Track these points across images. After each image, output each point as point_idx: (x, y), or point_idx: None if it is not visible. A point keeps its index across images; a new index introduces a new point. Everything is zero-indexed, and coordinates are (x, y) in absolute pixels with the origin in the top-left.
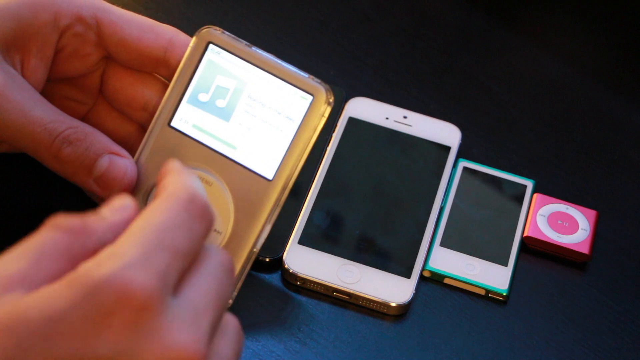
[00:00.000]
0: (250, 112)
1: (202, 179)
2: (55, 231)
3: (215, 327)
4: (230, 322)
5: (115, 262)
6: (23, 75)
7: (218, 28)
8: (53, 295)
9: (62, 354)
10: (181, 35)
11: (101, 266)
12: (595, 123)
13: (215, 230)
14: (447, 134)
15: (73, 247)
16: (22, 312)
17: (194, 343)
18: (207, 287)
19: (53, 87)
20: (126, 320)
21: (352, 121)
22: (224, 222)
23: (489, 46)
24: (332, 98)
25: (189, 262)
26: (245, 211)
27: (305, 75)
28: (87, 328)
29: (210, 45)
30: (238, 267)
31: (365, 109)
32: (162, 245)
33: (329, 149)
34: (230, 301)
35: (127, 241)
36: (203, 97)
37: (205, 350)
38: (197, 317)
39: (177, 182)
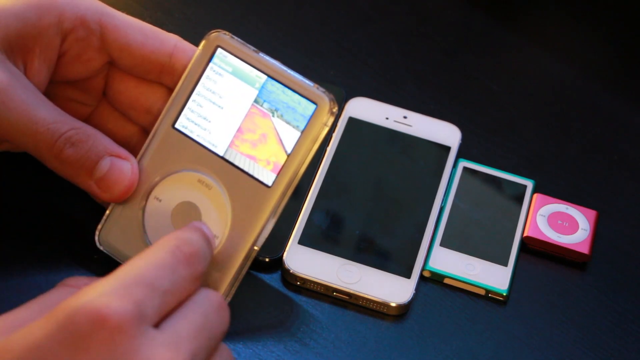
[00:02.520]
0: (254, 118)
1: (202, 182)
2: (63, 287)
3: (197, 358)
4: (221, 352)
5: (92, 292)
6: (26, 76)
7: (227, 32)
8: (34, 328)
9: None
10: (185, 42)
11: (79, 297)
12: (595, 123)
13: None
14: (447, 134)
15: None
16: (7, 344)
17: None
18: (190, 319)
19: (56, 88)
20: (102, 343)
21: (352, 121)
22: (221, 226)
23: (489, 46)
24: (336, 108)
25: (171, 301)
26: (242, 216)
27: (311, 84)
28: (65, 352)
29: (219, 49)
30: (233, 270)
31: (365, 109)
32: (140, 280)
33: (329, 149)
34: None
35: (108, 278)
36: (208, 100)
37: None
38: (176, 344)
39: (172, 233)
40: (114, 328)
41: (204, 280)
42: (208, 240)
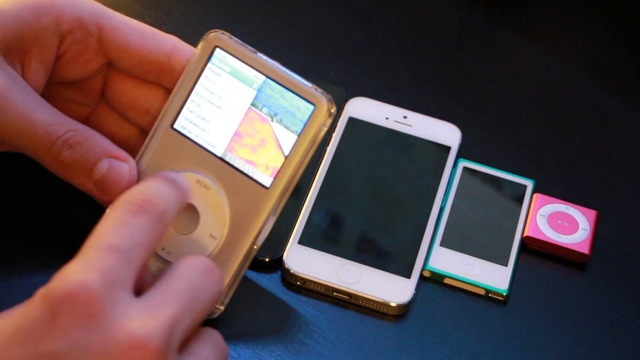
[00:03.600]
0: (253, 122)
1: (200, 183)
2: None
3: (180, 323)
4: (212, 333)
5: (62, 273)
6: (23, 78)
7: (225, 32)
8: (14, 314)
9: (22, 358)
10: (183, 43)
11: (51, 281)
12: (596, 123)
13: (210, 235)
14: (447, 134)
15: None
16: None
17: (146, 332)
18: (169, 284)
19: (55, 89)
20: (74, 316)
21: (352, 121)
22: (220, 227)
23: (489, 46)
24: (334, 109)
25: (140, 253)
26: (241, 217)
27: (309, 84)
28: (41, 331)
29: (217, 50)
30: (232, 271)
31: (365, 109)
32: (100, 247)
33: (329, 149)
34: (222, 307)
35: (74, 257)
36: (206, 101)
37: (160, 340)
38: (154, 309)
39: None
40: (85, 300)
41: None
42: (166, 180)
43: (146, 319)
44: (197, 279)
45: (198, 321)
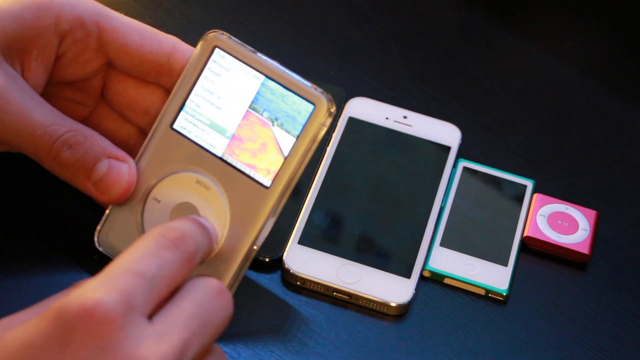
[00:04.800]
0: (254, 127)
1: (200, 183)
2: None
3: (190, 349)
4: (214, 351)
5: (80, 288)
6: (23, 77)
7: (225, 32)
8: (27, 326)
9: None
10: (183, 43)
11: (68, 294)
12: (595, 123)
13: None
14: (447, 134)
15: None
16: (2, 342)
17: (157, 357)
18: (181, 307)
19: (54, 89)
20: (88, 335)
21: (352, 121)
22: (220, 227)
23: (489, 46)
24: (334, 108)
25: (161, 285)
26: (241, 217)
27: (308, 84)
28: (54, 347)
29: (216, 50)
30: (232, 271)
31: (365, 109)
32: (125, 270)
33: (329, 149)
34: None
35: (97, 274)
36: (206, 101)
37: None
38: (165, 334)
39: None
40: (100, 319)
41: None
42: (200, 225)
43: (157, 344)
44: (207, 302)
45: (208, 345)
